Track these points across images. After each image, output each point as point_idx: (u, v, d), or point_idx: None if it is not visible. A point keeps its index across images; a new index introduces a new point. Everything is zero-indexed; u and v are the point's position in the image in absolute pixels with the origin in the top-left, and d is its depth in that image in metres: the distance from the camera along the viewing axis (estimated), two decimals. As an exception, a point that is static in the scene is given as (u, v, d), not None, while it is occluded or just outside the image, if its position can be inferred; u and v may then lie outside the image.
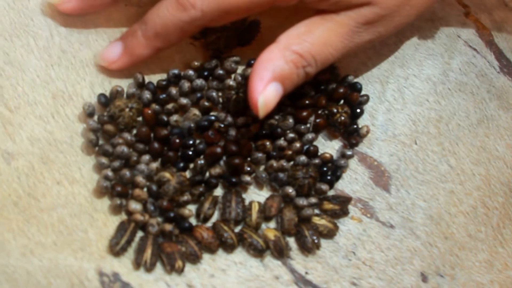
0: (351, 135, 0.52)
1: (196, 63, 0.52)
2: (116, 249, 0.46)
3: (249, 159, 0.50)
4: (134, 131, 0.50)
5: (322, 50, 0.48)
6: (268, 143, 0.50)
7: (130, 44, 0.50)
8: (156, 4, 0.49)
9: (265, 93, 0.46)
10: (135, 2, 0.53)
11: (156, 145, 0.49)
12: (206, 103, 0.50)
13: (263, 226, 0.49)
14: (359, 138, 0.53)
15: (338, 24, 0.48)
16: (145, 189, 0.48)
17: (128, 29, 0.51)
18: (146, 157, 0.49)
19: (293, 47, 0.47)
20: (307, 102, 0.51)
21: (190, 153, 0.49)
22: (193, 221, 0.49)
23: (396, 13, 0.49)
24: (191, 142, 0.49)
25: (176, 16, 0.47)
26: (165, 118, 0.50)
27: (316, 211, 0.50)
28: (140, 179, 0.48)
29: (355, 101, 0.52)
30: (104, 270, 0.46)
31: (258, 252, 0.48)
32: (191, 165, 0.50)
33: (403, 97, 0.54)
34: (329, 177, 0.51)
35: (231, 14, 0.48)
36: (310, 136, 0.51)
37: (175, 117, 0.50)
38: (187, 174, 0.49)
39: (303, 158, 0.51)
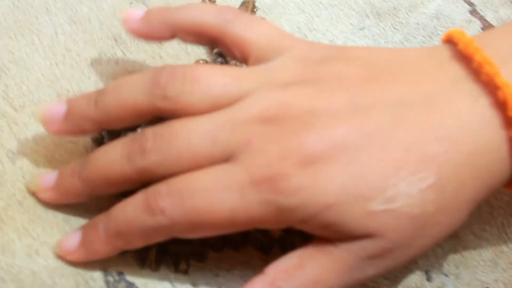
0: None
1: (201, 61, 0.52)
2: (121, 248, 0.46)
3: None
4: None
5: None
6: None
7: (89, 237, 0.44)
8: (124, 200, 0.43)
9: None
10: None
11: (161, 144, 0.49)
12: (211, 102, 0.50)
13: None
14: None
15: (335, 259, 0.41)
16: (150, 189, 0.48)
17: (90, 220, 0.45)
18: (151, 156, 0.49)
19: (280, 283, 0.41)
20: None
21: (195, 152, 0.49)
22: (198, 220, 0.49)
23: (407, 246, 0.42)
24: (196, 141, 0.49)
25: (142, 219, 0.41)
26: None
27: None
28: (145, 178, 0.48)
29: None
30: (109, 270, 0.46)
31: (263, 251, 0.48)
32: (196, 164, 0.50)
33: (408, 95, 0.54)
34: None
35: (204, 229, 0.41)
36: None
37: (180, 116, 0.50)
38: (192, 173, 0.49)
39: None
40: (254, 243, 0.48)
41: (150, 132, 0.42)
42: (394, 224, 0.40)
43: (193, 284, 0.47)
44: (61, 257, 0.45)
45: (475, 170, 0.42)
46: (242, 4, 0.54)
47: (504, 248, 0.52)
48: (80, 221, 0.47)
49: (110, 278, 0.46)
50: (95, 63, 0.51)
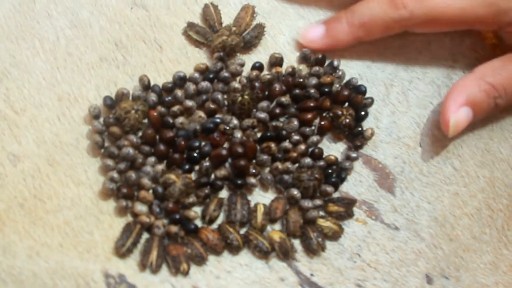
0: (356, 138, 0.52)
1: (201, 66, 0.52)
2: (122, 250, 0.46)
3: (254, 161, 0.50)
4: (140, 133, 0.50)
5: None
6: (273, 145, 0.50)
7: (333, 29, 0.54)
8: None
9: (457, 115, 0.51)
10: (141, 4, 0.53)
11: (161, 147, 0.49)
12: (212, 106, 0.51)
13: (268, 228, 0.50)
14: (364, 140, 0.53)
15: None
16: (150, 191, 0.48)
17: (333, 15, 0.55)
18: (151, 159, 0.49)
19: (487, 78, 0.51)
20: (311, 104, 0.51)
21: (196, 155, 0.49)
22: (198, 223, 0.49)
23: None
24: (196, 144, 0.49)
25: (386, 11, 0.52)
26: (170, 120, 0.50)
27: (321, 213, 0.51)
28: (145, 181, 0.48)
29: (359, 104, 0.53)
30: (110, 272, 0.46)
31: (263, 254, 0.48)
32: (197, 167, 0.50)
33: (408, 100, 0.54)
34: (334, 179, 0.51)
35: (437, 23, 0.53)
36: (315, 138, 0.51)
37: (180, 119, 0.50)
38: (193, 176, 0.49)
39: (308, 160, 0.51)
40: (254, 247, 0.48)
41: None
42: None
43: (194, 286, 0.47)
44: (304, 45, 0.54)
45: None
46: (242, 9, 0.54)
47: (504, 251, 0.52)
48: (80, 223, 0.47)
49: (111, 280, 0.46)
50: (96, 67, 0.51)
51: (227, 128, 0.50)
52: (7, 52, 0.50)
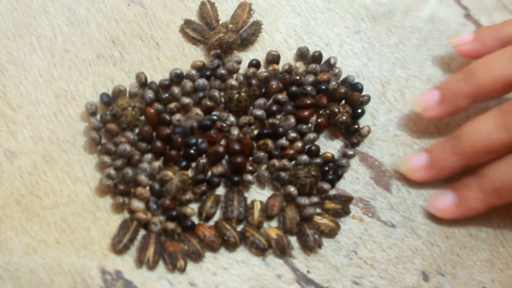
0: (352, 135, 0.53)
1: (198, 63, 0.52)
2: (118, 247, 0.46)
3: (251, 158, 0.51)
4: (137, 130, 0.50)
5: None
6: (270, 142, 0.50)
7: (464, 197, 0.50)
8: (496, 161, 0.48)
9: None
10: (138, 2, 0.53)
11: (158, 144, 0.49)
12: (208, 103, 0.51)
13: (265, 225, 0.50)
14: (360, 138, 0.53)
15: None
16: (147, 188, 0.48)
17: (460, 181, 0.51)
18: (148, 156, 0.49)
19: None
20: (308, 102, 0.52)
21: (193, 152, 0.49)
22: (195, 219, 0.49)
23: None
24: (193, 141, 0.50)
25: None
26: (167, 117, 0.50)
27: (318, 210, 0.51)
28: (142, 177, 0.48)
29: (356, 101, 0.53)
30: (107, 268, 0.46)
31: (260, 250, 0.48)
32: (194, 164, 0.50)
33: (404, 98, 0.55)
34: (330, 177, 0.51)
35: None
36: (311, 135, 0.51)
37: (177, 117, 0.50)
38: (190, 173, 0.49)
39: (304, 157, 0.51)
40: (251, 244, 0.48)
41: None
42: None
43: (191, 283, 0.47)
44: (435, 216, 0.52)
45: None
46: (239, 7, 0.54)
47: (500, 248, 0.52)
48: (77, 220, 0.47)
49: (108, 277, 0.46)
50: (93, 64, 0.51)
51: (224, 125, 0.50)
52: (4, 49, 0.50)
